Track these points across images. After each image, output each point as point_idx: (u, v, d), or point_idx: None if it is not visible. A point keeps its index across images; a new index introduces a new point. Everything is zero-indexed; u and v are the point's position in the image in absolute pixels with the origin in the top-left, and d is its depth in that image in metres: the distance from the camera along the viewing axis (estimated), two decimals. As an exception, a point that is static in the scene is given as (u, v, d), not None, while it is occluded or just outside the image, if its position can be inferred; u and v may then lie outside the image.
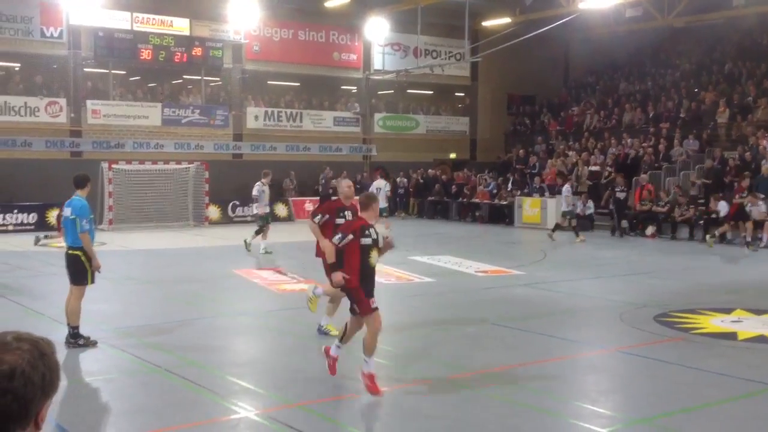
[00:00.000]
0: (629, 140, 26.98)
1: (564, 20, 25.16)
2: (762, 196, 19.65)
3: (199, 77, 28.88)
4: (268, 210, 17.86)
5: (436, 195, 29.24)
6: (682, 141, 25.48)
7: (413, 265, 15.81)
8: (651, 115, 28.66)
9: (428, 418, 6.58)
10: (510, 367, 8.18)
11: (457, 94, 35.49)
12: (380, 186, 21.91)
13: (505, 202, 26.59)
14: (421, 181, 30.22)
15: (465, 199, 28.38)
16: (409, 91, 33.37)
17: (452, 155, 33.95)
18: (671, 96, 29.33)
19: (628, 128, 28.69)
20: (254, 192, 17.66)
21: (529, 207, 25.57)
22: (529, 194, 26.10)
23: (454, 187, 29.21)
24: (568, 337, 9.74)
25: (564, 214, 21.58)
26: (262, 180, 17.69)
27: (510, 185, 27.38)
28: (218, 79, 29.42)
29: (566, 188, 22.21)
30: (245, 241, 17.69)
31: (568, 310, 11.50)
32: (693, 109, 27.45)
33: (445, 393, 7.28)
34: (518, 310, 11.37)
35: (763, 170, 20.99)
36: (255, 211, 18.09)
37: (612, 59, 34.44)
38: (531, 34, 25.40)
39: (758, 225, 19.43)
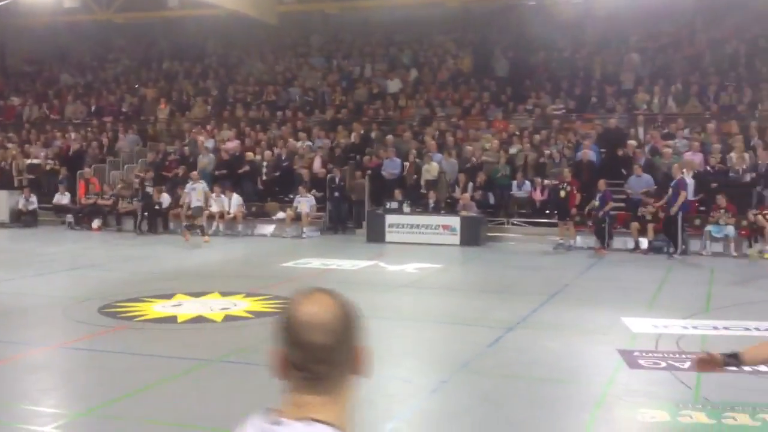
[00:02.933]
0: (73, 133, 26.49)
1: (-4, 3, 23.41)
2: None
3: None
4: None
5: None
6: (126, 135, 26.04)
7: None
8: (93, 108, 28.58)
9: None
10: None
11: None
12: None
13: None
14: None
15: None
16: None
17: None
18: (113, 90, 29.67)
19: (72, 121, 28.15)
20: None
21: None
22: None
23: None
24: (8, 339, 9.21)
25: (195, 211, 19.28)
26: None
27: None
28: None
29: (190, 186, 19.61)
30: None
31: (7, 311, 10.84)
32: (135, 104, 28.25)
33: None
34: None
35: (200, 165, 22.69)
36: None
37: (54, 50, 33.13)
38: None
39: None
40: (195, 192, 19.32)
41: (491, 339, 8.97)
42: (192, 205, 19.28)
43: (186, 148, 24.25)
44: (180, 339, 9.31)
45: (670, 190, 17.41)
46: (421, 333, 9.75)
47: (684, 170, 18.04)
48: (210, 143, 24.01)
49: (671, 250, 17.20)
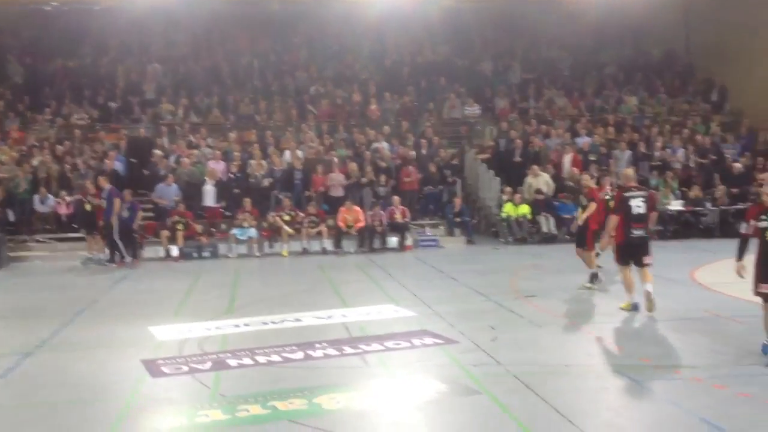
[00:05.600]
0: None
1: None
2: None
3: None
4: None
5: None
6: None
7: None
8: None
9: None
10: None
11: None
12: None
13: None
14: None
15: None
16: None
17: None
18: None
19: None
20: None
21: None
22: None
23: None
24: None
25: None
26: None
27: None
28: None
29: None
30: None
31: None
32: None
33: None
34: None
35: None
36: None
37: None
38: None
39: None
40: None
41: (4, 368, 8.25)
42: None
43: None
44: None
45: (105, 201, 17.08)
46: None
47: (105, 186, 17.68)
48: None
49: (118, 258, 17.07)
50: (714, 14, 25.67)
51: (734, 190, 20.46)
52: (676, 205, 20.20)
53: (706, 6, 25.94)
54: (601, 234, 11.64)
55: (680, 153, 21.98)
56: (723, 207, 20.13)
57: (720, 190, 20.42)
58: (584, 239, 12.74)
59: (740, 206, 19.89)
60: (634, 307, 10.56)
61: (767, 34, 24.24)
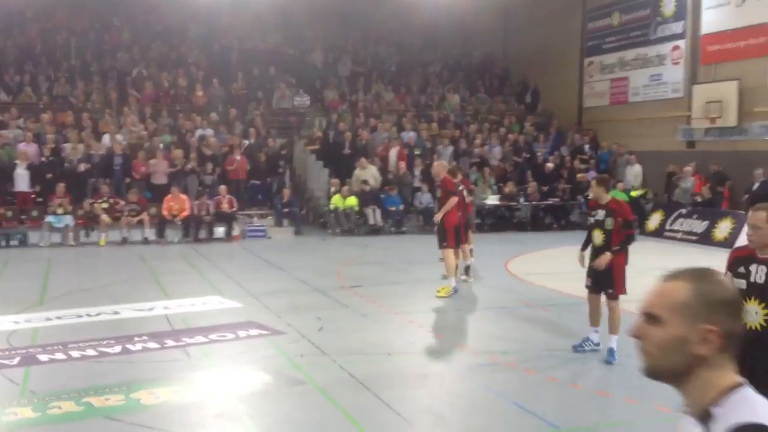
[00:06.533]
0: None
1: None
2: None
3: None
4: None
5: None
6: None
7: None
8: None
9: None
10: None
11: None
12: None
13: None
14: None
15: None
16: None
17: None
18: None
19: None
20: None
21: None
22: None
23: None
24: None
25: None
26: None
27: None
28: None
29: None
30: None
31: None
32: None
33: None
34: None
35: None
36: None
37: None
38: None
39: None
40: None
41: None
42: None
43: None
44: None
45: None
46: None
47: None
48: None
49: None
50: (529, 23, 27.31)
51: (545, 188, 21.84)
52: (492, 200, 21.25)
53: (523, 15, 27.54)
54: (464, 229, 12.12)
55: (497, 150, 23.14)
56: (534, 202, 21.42)
57: (532, 186, 21.70)
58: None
59: (550, 202, 21.38)
60: (454, 290, 11.19)
61: (573, 44, 26.08)
